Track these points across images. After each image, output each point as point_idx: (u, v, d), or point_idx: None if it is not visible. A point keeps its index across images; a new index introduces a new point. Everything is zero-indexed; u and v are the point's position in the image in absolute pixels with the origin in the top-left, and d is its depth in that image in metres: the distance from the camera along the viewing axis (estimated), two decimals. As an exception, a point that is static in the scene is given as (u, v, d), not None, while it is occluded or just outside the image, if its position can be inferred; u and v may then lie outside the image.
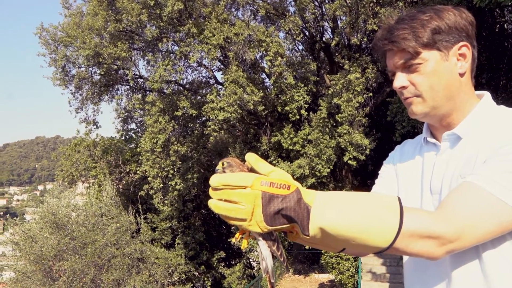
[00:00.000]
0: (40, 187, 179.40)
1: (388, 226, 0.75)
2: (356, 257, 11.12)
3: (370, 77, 12.86)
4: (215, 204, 0.73)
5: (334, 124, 13.13)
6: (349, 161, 12.64)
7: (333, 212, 0.73)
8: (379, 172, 1.21)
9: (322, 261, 12.13)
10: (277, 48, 12.95)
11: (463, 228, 0.80)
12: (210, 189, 0.75)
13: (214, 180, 0.73)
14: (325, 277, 14.19)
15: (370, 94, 12.95)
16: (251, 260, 17.86)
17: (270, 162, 14.48)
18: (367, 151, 12.56)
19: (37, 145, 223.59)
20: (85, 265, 9.60)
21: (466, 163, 0.93)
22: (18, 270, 10.17)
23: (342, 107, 12.51)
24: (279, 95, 13.92)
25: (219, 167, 0.83)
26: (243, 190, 0.71)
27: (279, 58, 12.99)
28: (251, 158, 0.77)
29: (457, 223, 0.80)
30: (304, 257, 15.93)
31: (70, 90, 15.14)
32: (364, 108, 13.17)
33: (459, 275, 0.90)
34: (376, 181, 1.19)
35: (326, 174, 12.89)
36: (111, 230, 10.20)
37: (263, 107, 13.64)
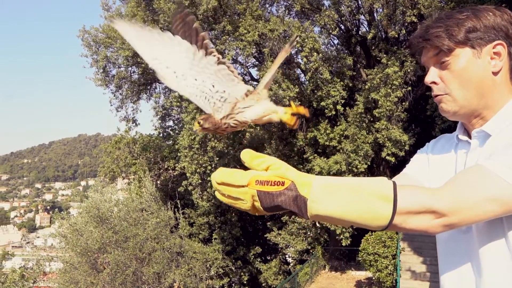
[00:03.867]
0: (83, 183, 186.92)
1: (382, 213, 0.78)
2: (395, 255, 10.90)
3: (408, 70, 12.52)
4: (221, 197, 0.81)
5: (372, 119, 12.89)
6: (387, 157, 12.38)
7: (328, 203, 0.77)
8: (411, 159, 1.21)
9: (359, 258, 11.97)
10: (312, 44, 12.84)
11: (459, 202, 0.81)
12: (214, 182, 0.80)
13: (215, 177, 0.80)
14: (362, 275, 14.01)
15: (409, 88, 12.61)
16: (287, 256, 17.90)
17: (306, 158, 14.48)
18: (406, 147, 12.25)
19: (79, 143, 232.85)
20: (127, 258, 9.96)
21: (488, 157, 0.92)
22: (66, 261, 10.68)
23: (380, 102, 12.25)
24: (315, 91, 13.82)
25: (195, 127, 0.88)
26: (241, 189, 0.78)
27: (315, 53, 12.89)
28: (246, 157, 0.81)
29: (453, 197, 0.82)
30: (341, 253, 15.78)
31: (111, 89, 15.70)
32: (403, 103, 12.84)
33: (486, 253, 0.92)
34: (407, 165, 1.20)
35: (364, 170, 12.68)
36: (151, 225, 10.52)
37: (299, 102, 13.58)
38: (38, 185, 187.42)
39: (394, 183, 0.81)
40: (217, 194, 0.82)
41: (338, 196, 0.78)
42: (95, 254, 10.26)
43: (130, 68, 15.60)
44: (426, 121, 14.00)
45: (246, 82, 13.06)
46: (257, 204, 0.77)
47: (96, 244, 10.10)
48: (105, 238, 10.19)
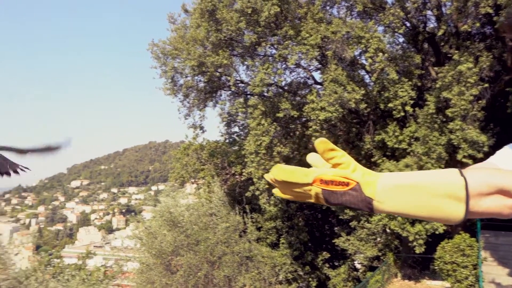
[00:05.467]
0: (154, 188, 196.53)
1: (453, 214, 0.75)
2: (476, 265, 10.20)
3: (484, 66, 11.71)
4: (280, 193, 0.81)
5: (444, 120, 12.21)
6: (464, 159, 11.64)
7: (395, 204, 0.76)
8: (498, 151, 1.14)
9: (436, 267, 11.35)
10: (377, 44, 12.48)
11: None
12: (271, 178, 0.80)
13: (274, 175, 0.79)
14: (438, 284, 13.26)
15: (486, 85, 11.78)
16: (355, 262, 17.45)
17: (374, 162, 14.06)
18: (485, 148, 11.44)
19: (149, 149, 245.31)
20: (199, 261, 10.32)
21: None
22: (143, 262, 11.31)
23: (452, 101, 11.58)
24: (382, 92, 13.39)
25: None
26: (306, 187, 0.77)
27: (380, 53, 12.51)
28: (321, 146, 0.79)
29: None
30: (414, 261, 15.06)
31: (179, 98, 16.37)
32: (479, 101, 12.02)
33: None
34: (492, 156, 1.13)
35: (437, 173, 12.02)
36: (221, 229, 10.81)
37: (365, 105, 13.25)
38: (114, 190, 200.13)
39: (466, 180, 0.77)
40: (275, 191, 0.83)
41: (405, 197, 0.76)
42: (169, 256, 10.75)
43: (196, 77, 16.18)
44: (506, 120, 12.98)
45: (308, 85, 13.01)
46: (321, 200, 0.78)
47: (170, 247, 10.58)
48: (177, 241, 10.65)
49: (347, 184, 0.76)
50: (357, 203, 0.77)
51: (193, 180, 18.67)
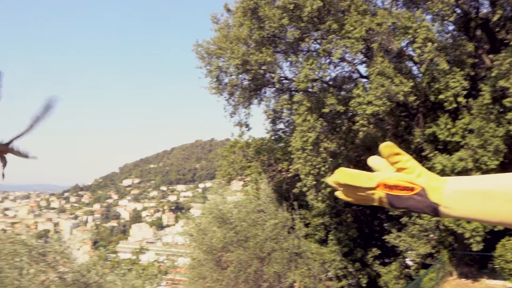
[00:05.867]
0: (201, 185, 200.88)
1: None
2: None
3: (546, 51, 10.97)
4: (343, 196, 0.83)
5: (502, 110, 11.57)
6: (524, 152, 11.00)
7: (461, 210, 0.75)
8: None
9: (496, 266, 10.80)
10: (426, 34, 12.02)
11: None
12: (334, 182, 0.82)
13: (338, 179, 0.81)
14: (499, 284, 12.60)
15: (548, 71, 11.03)
16: (407, 259, 16.96)
17: (425, 156, 13.58)
18: (548, 139, 10.75)
19: (196, 148, 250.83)
20: (249, 257, 10.48)
21: None
22: (194, 258, 11.65)
23: (510, 90, 10.95)
24: (431, 83, 12.90)
25: None
26: (369, 191, 0.79)
27: (429, 43, 12.03)
28: (386, 150, 0.80)
29: None
30: (471, 259, 14.40)
31: (224, 97, 16.63)
32: (541, 89, 11.28)
33: None
34: None
35: (495, 166, 11.43)
36: (269, 226, 10.91)
37: (414, 97, 12.82)
38: (164, 188, 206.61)
39: None
40: (338, 193, 0.84)
41: (475, 202, 0.75)
42: (219, 252, 11.00)
43: (240, 76, 16.36)
44: None
45: (354, 79, 12.74)
46: (386, 204, 0.80)
47: (220, 243, 10.82)
48: (227, 238, 10.87)
49: (412, 189, 0.77)
50: (422, 208, 0.77)
51: (239, 177, 18.92)
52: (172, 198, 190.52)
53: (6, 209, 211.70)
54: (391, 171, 0.81)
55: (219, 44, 16.25)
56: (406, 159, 0.79)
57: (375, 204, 0.82)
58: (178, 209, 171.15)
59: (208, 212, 11.64)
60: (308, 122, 13.58)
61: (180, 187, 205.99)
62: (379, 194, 0.79)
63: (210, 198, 12.63)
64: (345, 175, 0.81)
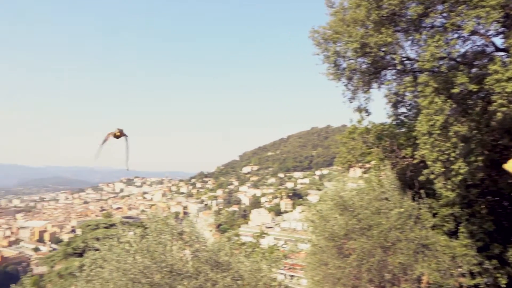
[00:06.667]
0: (318, 172, 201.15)
1: None
2: None
3: None
4: None
5: None
6: None
7: None
8: None
9: None
10: None
11: None
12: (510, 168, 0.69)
13: None
14: None
15: None
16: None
17: None
18: None
19: (312, 135, 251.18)
20: (372, 246, 10.18)
21: None
22: (315, 244, 11.75)
23: None
24: None
25: None
26: None
27: None
28: None
29: None
30: None
31: (343, 82, 16.24)
32: None
33: None
34: None
35: None
36: (394, 215, 10.43)
37: None
38: (281, 175, 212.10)
39: None
40: None
41: None
42: (341, 239, 10.91)
43: (359, 59, 15.78)
44: None
45: (488, 54, 11.33)
46: None
47: (342, 231, 10.72)
48: (349, 225, 10.71)
49: None
50: None
51: (360, 165, 18.41)
52: (290, 184, 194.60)
53: (145, 192, 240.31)
54: None
55: (335, 28, 15.88)
56: None
57: None
58: (295, 195, 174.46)
59: (329, 199, 11.60)
60: (435, 104, 12.52)
61: (297, 174, 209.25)
62: None
63: (330, 185, 12.55)
64: None
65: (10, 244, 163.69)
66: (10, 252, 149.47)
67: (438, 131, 12.19)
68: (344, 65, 15.99)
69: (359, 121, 17.47)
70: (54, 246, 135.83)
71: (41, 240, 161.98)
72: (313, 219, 11.77)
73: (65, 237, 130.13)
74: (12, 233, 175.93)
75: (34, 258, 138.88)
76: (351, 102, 16.55)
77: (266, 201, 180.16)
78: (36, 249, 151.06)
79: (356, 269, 10.82)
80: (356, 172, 19.78)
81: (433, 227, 14.23)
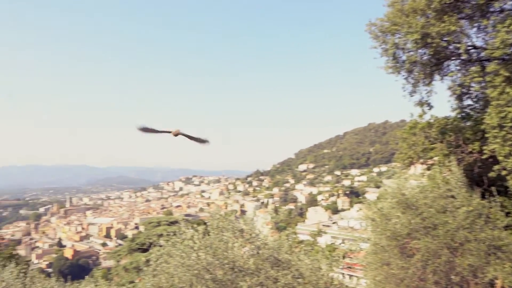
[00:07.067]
0: (376, 169, 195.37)
1: None
2: None
3: None
4: None
5: None
6: None
7: None
8: None
9: None
10: None
11: None
12: None
13: None
14: None
15: None
16: None
17: None
18: None
19: (369, 131, 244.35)
20: (438, 246, 9.68)
21: None
22: (376, 243, 11.37)
23: None
24: None
25: None
26: None
27: None
28: None
29: None
30: None
31: (402, 75, 15.61)
32: None
33: None
34: None
35: None
36: (461, 213, 9.85)
37: None
38: (337, 172, 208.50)
39: None
40: None
41: None
42: (404, 239, 10.48)
43: (419, 51, 15.10)
44: None
45: None
46: None
47: (405, 230, 10.29)
48: (413, 224, 10.26)
49: None
50: None
51: (422, 161, 17.58)
52: (346, 182, 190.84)
53: (203, 191, 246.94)
54: None
55: (393, 19, 15.29)
56: None
57: None
58: (353, 193, 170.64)
59: (390, 196, 11.19)
60: (506, 95, 11.69)
61: (354, 171, 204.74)
62: None
63: (390, 182, 12.10)
64: None
65: (81, 239, 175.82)
66: (81, 246, 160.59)
67: (510, 124, 11.37)
68: (404, 57, 15.37)
69: (420, 116, 16.67)
70: (119, 241, 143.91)
71: (108, 235, 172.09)
72: (374, 218, 11.42)
73: (129, 234, 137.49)
74: (82, 228, 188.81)
75: (102, 253, 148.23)
76: (411, 96, 15.90)
77: (322, 199, 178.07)
78: (104, 244, 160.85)
79: (420, 270, 10.35)
80: (417, 168, 18.93)
81: (506, 227, 13.27)
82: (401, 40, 15.28)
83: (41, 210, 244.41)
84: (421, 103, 15.83)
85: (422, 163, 18.02)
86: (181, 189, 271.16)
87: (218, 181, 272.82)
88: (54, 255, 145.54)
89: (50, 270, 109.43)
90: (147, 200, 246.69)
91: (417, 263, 10.17)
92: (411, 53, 15.15)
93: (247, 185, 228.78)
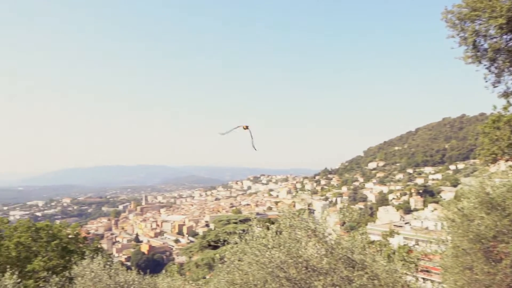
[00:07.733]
0: (452, 167, 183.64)
1: None
2: None
3: None
4: None
5: None
6: None
7: None
8: None
9: None
10: None
11: None
12: None
13: None
14: None
15: None
16: None
17: None
18: None
19: (444, 126, 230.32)
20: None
21: None
22: (457, 245, 10.62)
23: None
24: None
25: None
26: None
27: None
28: None
29: None
30: None
31: (484, 65, 14.46)
32: None
33: None
34: None
35: None
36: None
37: None
38: (410, 170, 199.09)
39: None
40: None
41: None
42: (489, 242, 9.67)
43: (505, 37, 13.89)
44: None
45: None
46: None
47: (490, 232, 9.49)
48: (499, 226, 9.43)
49: None
50: None
51: (507, 157, 16.20)
52: (419, 180, 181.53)
53: (271, 190, 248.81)
54: None
55: (473, 5, 14.22)
56: None
57: None
58: (426, 192, 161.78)
59: (472, 195, 10.39)
60: None
61: (427, 169, 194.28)
62: None
63: (469, 180, 11.27)
64: None
65: (156, 235, 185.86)
66: (156, 242, 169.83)
67: None
68: (486, 45, 14.23)
69: (505, 108, 15.37)
70: (191, 238, 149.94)
71: (180, 232, 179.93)
72: (453, 218, 10.67)
73: (200, 231, 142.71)
74: (157, 225, 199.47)
75: (175, 249, 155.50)
76: (495, 87, 14.70)
77: (393, 198, 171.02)
78: (177, 241, 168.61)
79: (510, 276, 9.49)
80: (501, 165, 17.48)
81: None
82: (482, 26, 14.16)
83: (120, 207, 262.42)
84: (506, 94, 14.59)
85: (507, 160, 16.61)
86: (249, 187, 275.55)
87: (286, 179, 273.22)
88: (132, 250, 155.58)
89: (128, 263, 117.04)
90: (217, 199, 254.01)
91: (506, 269, 9.34)
92: (495, 39, 13.98)
93: (315, 184, 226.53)
